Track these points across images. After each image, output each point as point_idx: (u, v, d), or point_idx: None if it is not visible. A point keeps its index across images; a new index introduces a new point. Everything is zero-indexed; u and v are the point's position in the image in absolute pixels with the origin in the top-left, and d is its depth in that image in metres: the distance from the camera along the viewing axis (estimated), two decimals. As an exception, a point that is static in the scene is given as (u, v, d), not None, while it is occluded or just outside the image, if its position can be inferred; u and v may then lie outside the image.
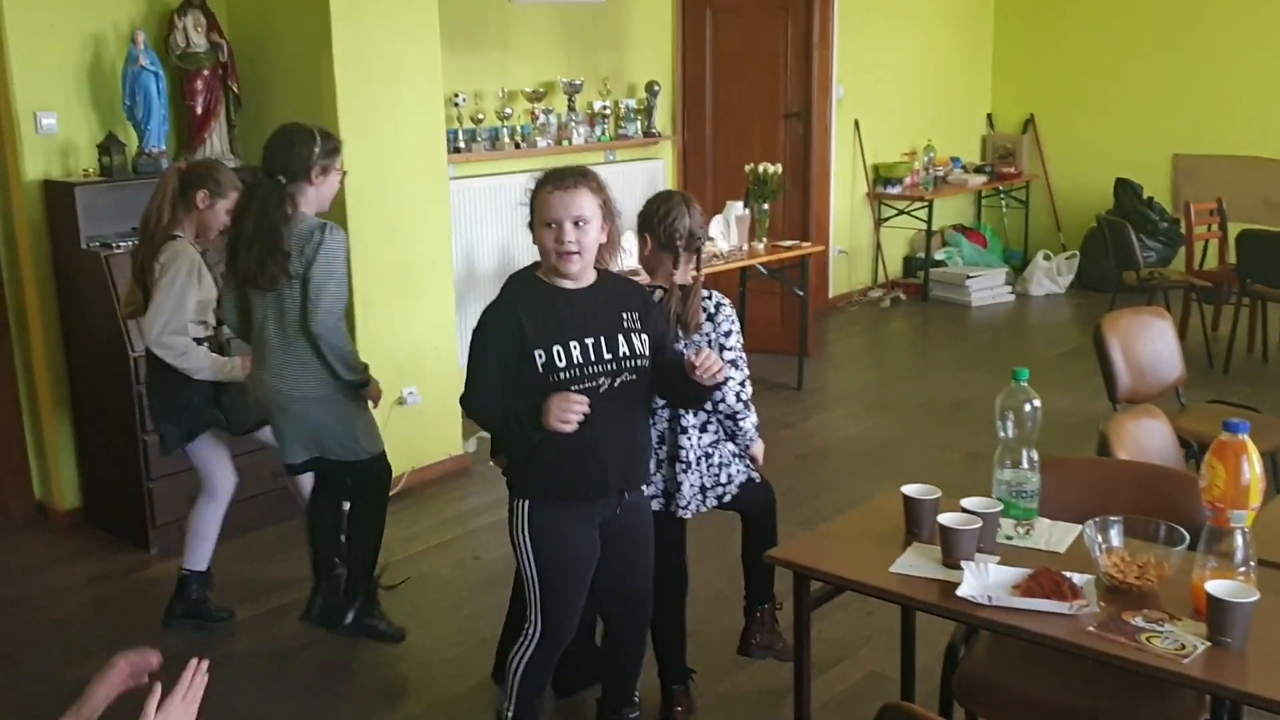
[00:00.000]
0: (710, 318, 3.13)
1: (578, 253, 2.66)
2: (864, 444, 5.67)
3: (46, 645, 3.89)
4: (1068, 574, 2.30)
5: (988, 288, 8.75)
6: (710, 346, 3.10)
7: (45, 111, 4.49)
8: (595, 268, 2.76)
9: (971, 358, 7.21)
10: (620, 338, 2.73)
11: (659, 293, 3.11)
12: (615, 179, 6.62)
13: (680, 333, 3.09)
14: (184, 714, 1.86)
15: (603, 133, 6.62)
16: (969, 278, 8.70)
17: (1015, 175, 9.54)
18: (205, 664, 1.96)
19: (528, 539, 2.79)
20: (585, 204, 2.66)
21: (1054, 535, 2.58)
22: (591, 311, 2.73)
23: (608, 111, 6.64)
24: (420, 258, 5.07)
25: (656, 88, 6.88)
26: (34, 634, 3.97)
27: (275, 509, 4.79)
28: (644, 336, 2.78)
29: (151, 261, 3.73)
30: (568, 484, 2.75)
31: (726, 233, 6.36)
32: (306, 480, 3.89)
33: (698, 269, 3.17)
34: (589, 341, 2.69)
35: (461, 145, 5.94)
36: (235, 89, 4.82)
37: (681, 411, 3.14)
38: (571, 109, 6.43)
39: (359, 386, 3.58)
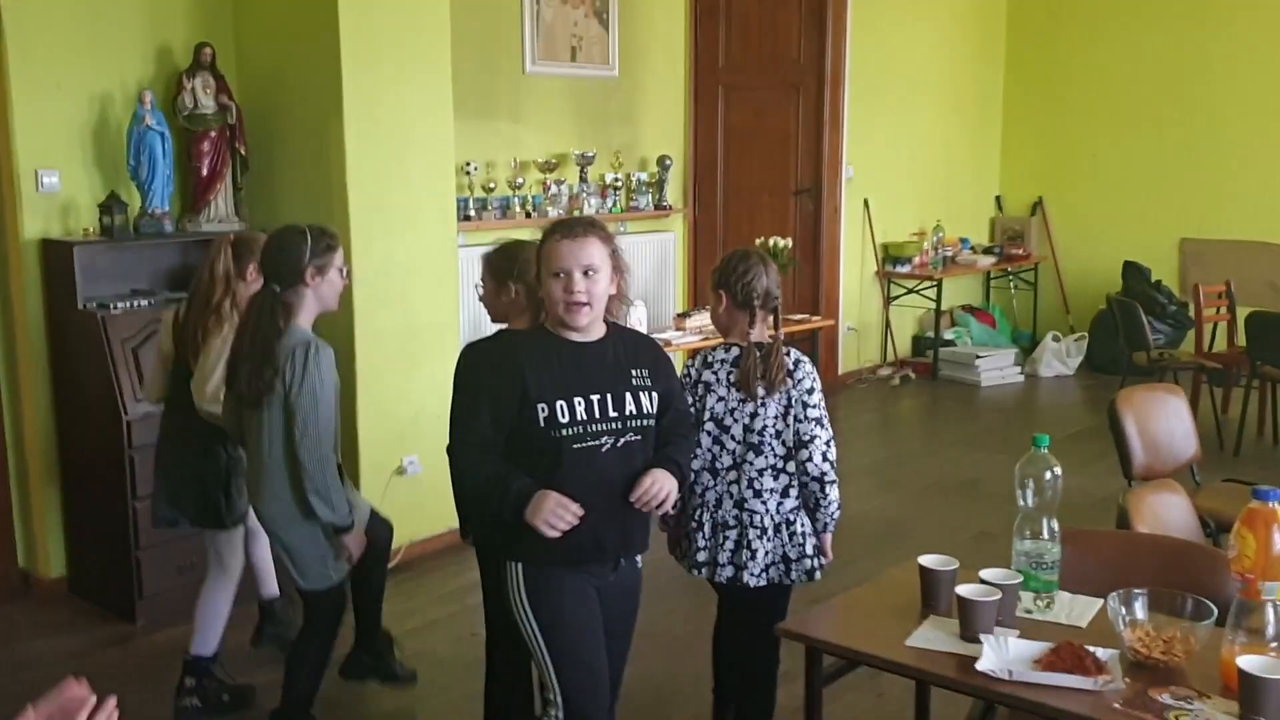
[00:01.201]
0: (789, 374, 3.01)
1: (587, 303, 2.56)
2: (874, 521, 5.54)
3: None
4: (1091, 648, 2.19)
5: (997, 368, 8.67)
6: (791, 405, 3.00)
7: (47, 170, 4.45)
8: (605, 320, 2.67)
9: (982, 437, 7.10)
10: (628, 395, 2.63)
11: (734, 350, 3.04)
12: (628, 251, 6.63)
13: (763, 391, 2.99)
14: None
15: (614, 204, 6.61)
16: (978, 358, 8.62)
17: (1024, 257, 9.51)
18: (112, 704, 1.75)
19: (527, 607, 2.63)
20: (595, 253, 2.57)
21: (1075, 609, 2.46)
22: (599, 367, 2.63)
23: (619, 184, 6.64)
24: (425, 324, 5.00)
25: (668, 161, 6.88)
26: (8, 709, 3.81)
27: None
28: (653, 395, 2.67)
29: (203, 328, 3.55)
30: (561, 549, 2.59)
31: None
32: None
33: (775, 328, 3.08)
34: (595, 398, 2.58)
35: (472, 213, 5.91)
36: (243, 151, 4.79)
37: (756, 474, 3.00)
38: (583, 180, 6.42)
39: (338, 530, 3.30)
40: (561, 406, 2.55)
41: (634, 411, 2.63)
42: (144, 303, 4.45)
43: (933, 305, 8.68)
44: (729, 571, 3.02)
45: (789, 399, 3.00)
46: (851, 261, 8.43)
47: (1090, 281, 9.30)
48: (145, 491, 4.28)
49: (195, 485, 3.68)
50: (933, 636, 2.34)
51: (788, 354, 3.05)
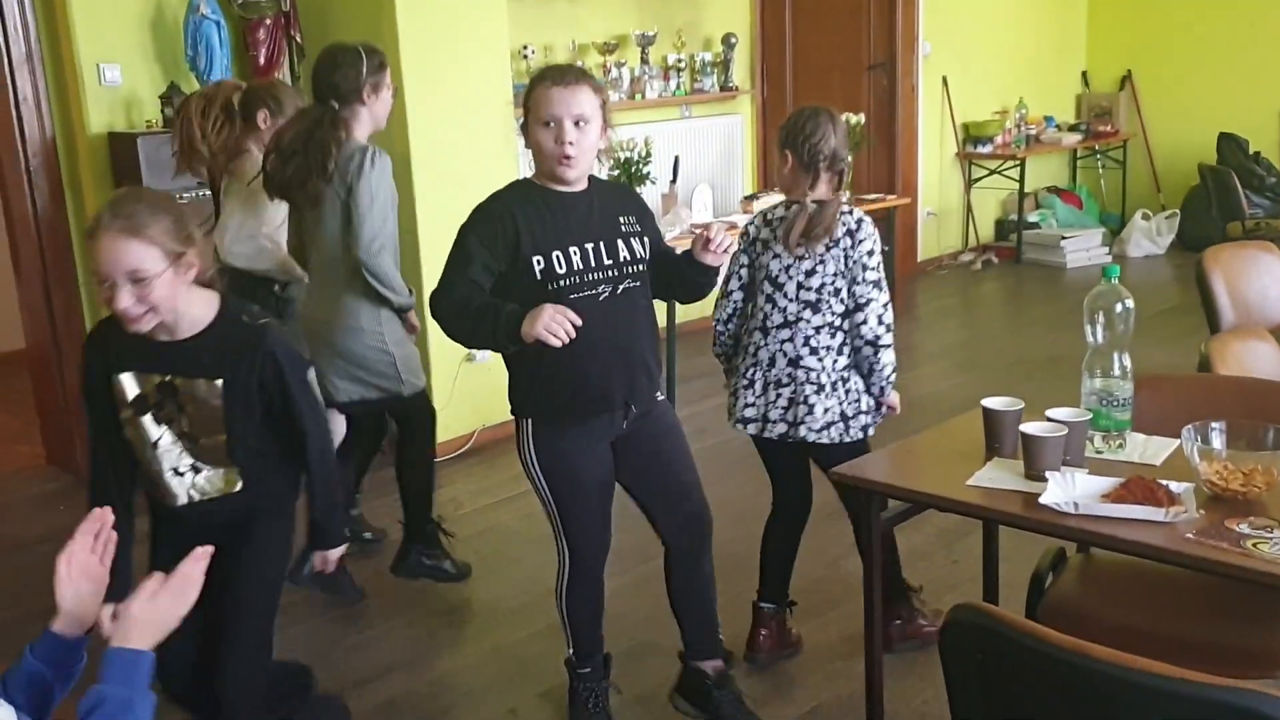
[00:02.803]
0: (850, 233, 2.91)
1: (577, 155, 2.49)
2: (952, 400, 5.42)
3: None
4: (1164, 482, 2.09)
5: (1083, 249, 8.40)
6: (849, 265, 2.91)
7: (109, 63, 4.47)
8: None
9: (1066, 317, 6.89)
10: (620, 242, 2.58)
11: (795, 208, 2.94)
12: (691, 135, 6.57)
13: (804, 244, 2.89)
14: (176, 607, 1.74)
15: (678, 87, 6.44)
16: (1064, 239, 8.36)
17: (1112, 134, 9.15)
18: (204, 551, 1.81)
19: (535, 461, 2.66)
20: (586, 102, 2.48)
21: (1149, 448, 2.36)
22: (589, 216, 2.57)
23: (682, 65, 6.46)
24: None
25: (733, 40, 6.67)
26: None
27: (342, 463, 4.71)
28: (644, 240, 2.63)
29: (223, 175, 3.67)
30: (568, 403, 2.59)
31: (807, 186, 6.15)
32: (339, 428, 3.71)
33: (839, 188, 2.99)
34: (589, 247, 2.53)
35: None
36: (298, 39, 4.75)
37: (813, 330, 2.94)
38: (645, 62, 6.26)
39: (405, 310, 3.47)
40: (557, 257, 2.50)
41: (628, 258, 2.58)
42: (207, 192, 4.45)
43: (1016, 187, 8.42)
44: (780, 428, 2.99)
45: (847, 259, 2.91)
46: (930, 143, 8.18)
47: (1182, 158, 8.91)
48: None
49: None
50: (996, 476, 2.26)
51: (850, 213, 2.95)
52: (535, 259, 2.50)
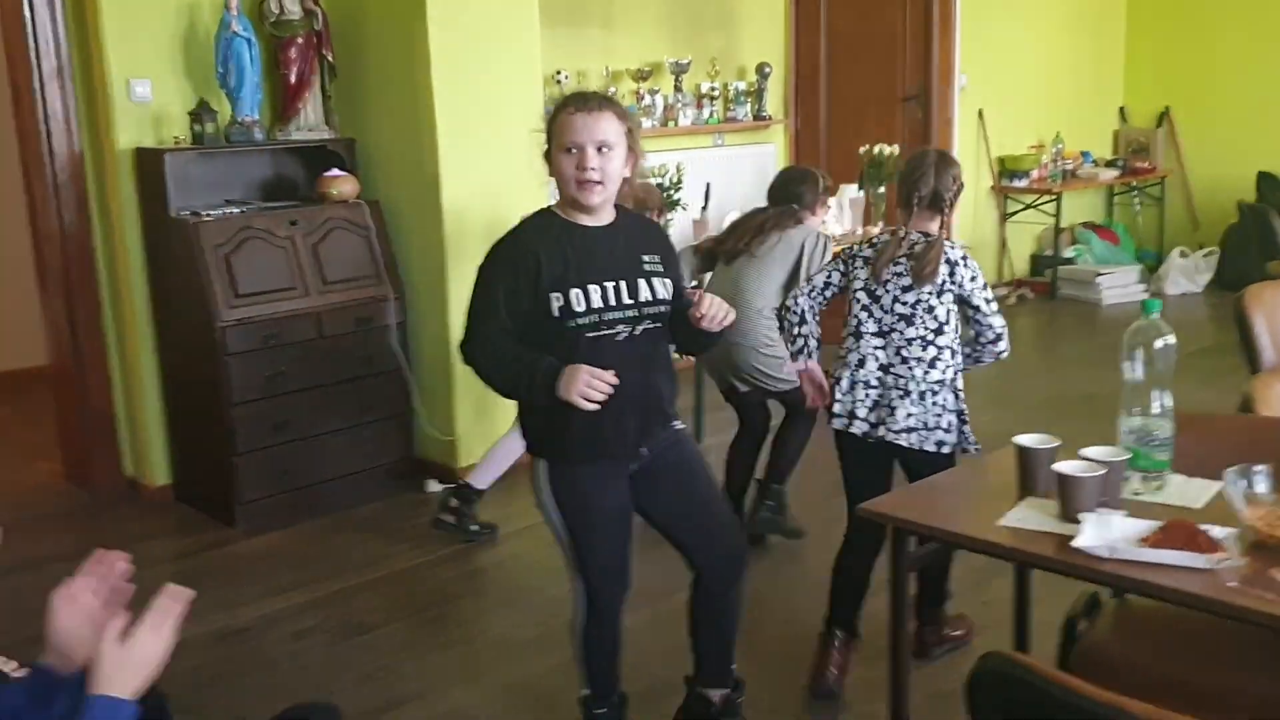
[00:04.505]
0: (950, 263, 3.09)
1: (600, 182, 2.41)
2: (984, 436, 5.19)
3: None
4: (1205, 527, 1.99)
5: (1120, 286, 8.28)
6: (944, 290, 3.07)
7: (139, 79, 4.45)
8: (615, 205, 2.53)
9: (1101, 353, 6.76)
10: (642, 282, 2.50)
11: (891, 235, 3.14)
12: (724, 163, 6.52)
13: (914, 283, 3.08)
14: (154, 646, 1.60)
15: (711, 115, 6.40)
16: (1099, 275, 8.24)
17: (1149, 170, 9.03)
18: (180, 590, 1.67)
19: (551, 499, 2.59)
20: (610, 129, 2.42)
21: (1190, 491, 2.26)
22: (612, 252, 2.49)
23: (716, 93, 6.42)
24: (515, 233, 4.91)
25: (767, 69, 6.63)
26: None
27: (361, 490, 4.69)
28: (666, 281, 2.55)
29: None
30: (583, 445, 2.52)
31: (840, 216, 6.09)
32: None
33: (942, 226, 3.14)
34: (609, 285, 2.46)
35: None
36: (330, 58, 4.72)
37: (905, 342, 3.09)
38: (678, 90, 6.22)
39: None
40: (576, 295, 2.43)
41: (649, 298, 2.51)
42: (234, 210, 4.44)
43: (1051, 221, 8.31)
44: (864, 427, 3.14)
45: (942, 286, 3.09)
46: (965, 176, 8.09)
47: (1221, 195, 8.78)
48: (240, 398, 4.32)
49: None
50: (1028, 516, 2.17)
51: (952, 248, 3.13)
52: (554, 296, 2.43)
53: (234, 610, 3.81)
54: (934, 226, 3.13)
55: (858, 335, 3.16)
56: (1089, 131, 9.09)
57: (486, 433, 4.82)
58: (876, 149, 6.08)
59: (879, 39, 6.80)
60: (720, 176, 6.38)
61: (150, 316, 4.64)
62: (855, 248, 3.25)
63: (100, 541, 4.40)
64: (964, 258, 3.12)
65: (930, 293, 3.07)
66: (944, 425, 3.12)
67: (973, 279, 3.11)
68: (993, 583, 3.67)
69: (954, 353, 3.13)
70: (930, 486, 2.51)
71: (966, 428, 3.18)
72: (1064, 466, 2.15)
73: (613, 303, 2.46)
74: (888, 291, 3.12)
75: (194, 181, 4.50)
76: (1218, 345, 6.66)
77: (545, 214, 2.57)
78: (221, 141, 4.52)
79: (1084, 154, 8.86)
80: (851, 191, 6.14)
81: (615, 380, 2.37)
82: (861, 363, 3.15)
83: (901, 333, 3.10)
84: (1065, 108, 8.79)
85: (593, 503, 2.59)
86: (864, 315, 3.16)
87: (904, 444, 3.09)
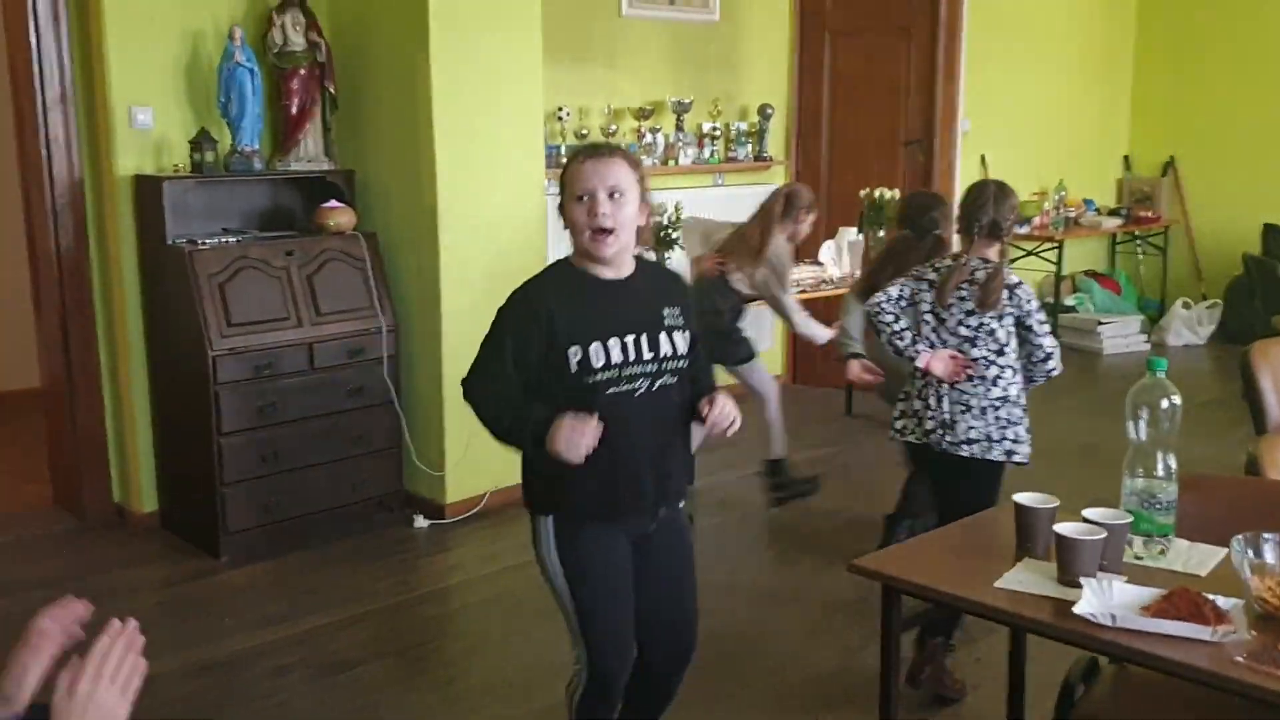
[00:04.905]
0: (1010, 288, 3.33)
1: (613, 230, 2.35)
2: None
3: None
4: (1210, 596, 1.94)
5: (1121, 335, 8.24)
6: (1005, 314, 3.31)
7: (140, 106, 4.43)
8: (635, 257, 2.47)
9: (1101, 404, 6.72)
10: (662, 335, 2.43)
11: (955, 261, 3.38)
12: (724, 203, 6.49)
13: (977, 309, 3.32)
14: (114, 701, 1.46)
15: (712, 155, 6.38)
16: (1100, 324, 8.20)
17: (1153, 219, 9.01)
18: (133, 628, 1.54)
19: (556, 560, 2.48)
20: (622, 175, 2.36)
21: (1194, 557, 2.21)
22: (632, 304, 2.43)
23: (718, 133, 6.40)
24: (514, 268, 4.79)
25: (769, 111, 6.62)
26: (90, 633, 3.83)
27: (353, 522, 4.64)
28: (685, 334, 2.48)
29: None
30: (597, 503, 2.42)
31: (838, 259, 6.07)
32: None
33: (1001, 255, 3.40)
34: (629, 339, 2.38)
35: (564, 160, 5.75)
36: (332, 90, 4.70)
37: (970, 361, 3.34)
38: (680, 129, 6.21)
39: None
40: (596, 349, 2.36)
41: (669, 353, 2.44)
42: (231, 240, 4.40)
43: (1053, 269, 8.28)
44: (933, 437, 3.40)
45: (1003, 311, 3.34)
46: (966, 221, 8.08)
47: (1225, 246, 8.76)
48: (230, 428, 4.27)
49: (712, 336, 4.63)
50: (1026, 579, 2.12)
51: (1010, 273, 3.37)
52: (572, 350, 2.35)
53: (214, 643, 3.75)
54: (993, 253, 3.38)
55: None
56: (1093, 179, 9.08)
57: (476, 468, 4.78)
58: (877, 192, 6.05)
59: (882, 82, 6.78)
60: (719, 216, 6.33)
61: (143, 343, 4.60)
62: (920, 270, 3.47)
63: (85, 568, 4.40)
64: (1019, 282, 3.35)
65: (992, 316, 3.32)
66: (1010, 436, 3.36)
67: (1029, 301, 3.35)
68: (986, 640, 3.62)
69: (1015, 370, 3.38)
70: (926, 543, 2.45)
71: (1029, 438, 3.42)
72: (1064, 528, 2.10)
73: (633, 357, 2.39)
74: (952, 315, 3.36)
75: (192, 209, 4.47)
76: (1221, 399, 6.60)
77: (564, 264, 2.50)
78: (221, 170, 4.49)
79: (1087, 201, 8.84)
80: (851, 234, 6.12)
81: (600, 428, 2.29)
82: (928, 380, 3.39)
83: (966, 353, 3.35)
84: (1069, 155, 8.79)
85: (600, 568, 2.49)
86: (934, 336, 3.40)
87: (964, 454, 3.34)
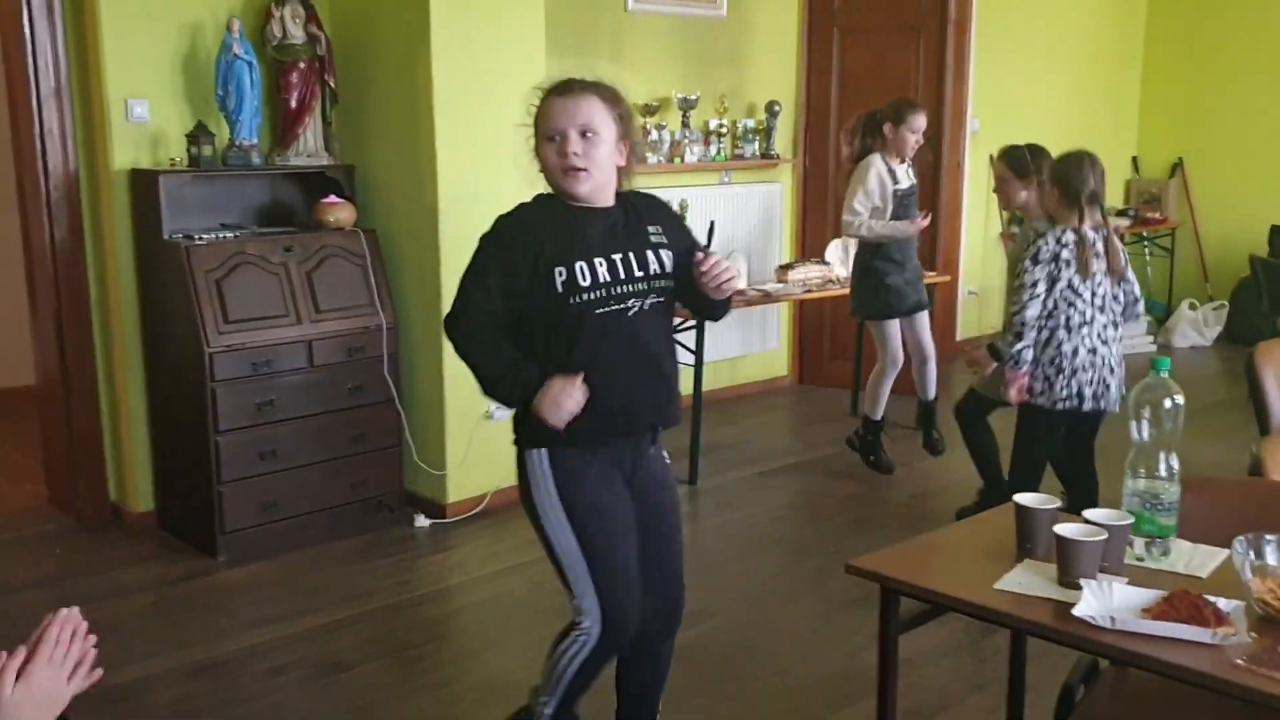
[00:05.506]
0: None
1: (585, 169, 2.29)
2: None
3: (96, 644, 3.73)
4: (1211, 598, 1.90)
5: (1127, 336, 8.14)
6: (1118, 285, 3.81)
7: (137, 99, 4.40)
8: (616, 194, 2.41)
9: (1108, 405, 6.68)
10: (650, 253, 2.38)
11: (1070, 234, 3.69)
12: (731, 202, 6.44)
13: (1111, 276, 3.77)
14: (52, 681, 1.48)
15: (718, 152, 6.33)
16: (1108, 325, 8.15)
17: (1160, 221, 8.95)
18: (75, 614, 1.55)
19: (555, 496, 2.37)
20: (595, 112, 2.30)
21: (1196, 558, 2.16)
22: (617, 226, 2.38)
23: (724, 130, 6.36)
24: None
25: (777, 108, 6.57)
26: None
27: (353, 521, 4.60)
28: (670, 252, 2.42)
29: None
30: (592, 425, 2.32)
31: (845, 258, 6.01)
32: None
33: (1104, 222, 3.80)
34: (616, 258, 2.33)
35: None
36: (332, 84, 4.66)
37: (1101, 328, 3.76)
38: (686, 125, 6.16)
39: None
40: (581, 268, 2.30)
41: (658, 270, 2.39)
42: (228, 235, 4.37)
43: (1060, 269, 8.22)
44: (1090, 405, 3.79)
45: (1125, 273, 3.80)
46: (974, 221, 8.03)
47: (1233, 249, 8.70)
48: (227, 425, 4.24)
49: (895, 292, 5.29)
50: (1026, 580, 2.07)
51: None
52: (557, 270, 2.30)
53: (211, 644, 3.71)
54: (1098, 221, 3.74)
55: (1068, 329, 3.72)
56: (1100, 180, 9.01)
57: (478, 468, 4.74)
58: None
59: (891, 80, 6.72)
60: (725, 215, 6.31)
61: (139, 340, 4.57)
62: (1044, 252, 3.70)
63: (81, 568, 4.37)
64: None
65: (1114, 282, 3.76)
66: (1126, 387, 3.75)
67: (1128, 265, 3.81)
68: (990, 639, 3.58)
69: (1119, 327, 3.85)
70: (926, 545, 2.41)
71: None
72: (1065, 529, 2.05)
73: (621, 275, 2.34)
74: (1087, 286, 3.70)
75: (189, 204, 4.43)
76: (1227, 400, 6.56)
77: (545, 195, 2.45)
78: (219, 165, 4.45)
79: (1095, 202, 8.77)
80: (858, 232, 6.05)
81: (585, 392, 2.26)
82: (1075, 351, 3.72)
83: (1098, 320, 3.74)
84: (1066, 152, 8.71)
85: (605, 500, 2.40)
86: (1070, 310, 3.71)
87: (1116, 411, 3.70)
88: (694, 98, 6.13)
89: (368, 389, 4.58)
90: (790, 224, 6.97)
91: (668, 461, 2.62)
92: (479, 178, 4.59)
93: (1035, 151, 4.48)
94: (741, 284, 5.65)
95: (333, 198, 4.60)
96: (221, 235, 4.35)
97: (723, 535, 4.76)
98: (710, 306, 2.52)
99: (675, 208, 2.70)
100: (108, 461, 4.74)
